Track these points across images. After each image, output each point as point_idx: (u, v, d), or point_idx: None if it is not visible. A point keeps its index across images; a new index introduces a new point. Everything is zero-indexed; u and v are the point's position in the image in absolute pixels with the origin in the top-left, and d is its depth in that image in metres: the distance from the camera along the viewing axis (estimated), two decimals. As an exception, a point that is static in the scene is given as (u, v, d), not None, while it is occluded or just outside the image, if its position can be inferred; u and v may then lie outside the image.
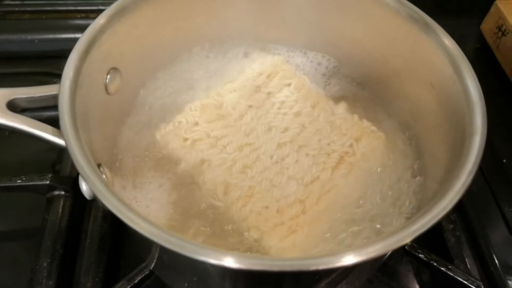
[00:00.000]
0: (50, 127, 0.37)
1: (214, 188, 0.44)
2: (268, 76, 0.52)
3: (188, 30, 0.51)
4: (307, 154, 0.47)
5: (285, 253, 0.41)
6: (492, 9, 0.71)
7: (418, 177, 0.47)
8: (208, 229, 0.43)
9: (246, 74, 0.52)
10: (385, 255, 0.32)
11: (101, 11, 0.42)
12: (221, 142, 0.47)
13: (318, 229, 0.43)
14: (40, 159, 0.56)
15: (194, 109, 0.49)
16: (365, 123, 0.50)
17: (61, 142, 0.35)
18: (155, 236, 0.29)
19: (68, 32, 0.69)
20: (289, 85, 0.52)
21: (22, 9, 0.71)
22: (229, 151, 0.47)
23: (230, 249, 0.42)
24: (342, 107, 0.51)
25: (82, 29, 0.40)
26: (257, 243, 0.42)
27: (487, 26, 0.73)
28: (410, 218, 0.44)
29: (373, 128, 0.49)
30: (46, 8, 0.72)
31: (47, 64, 0.65)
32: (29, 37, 0.68)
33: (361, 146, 0.48)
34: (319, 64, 0.56)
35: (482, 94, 0.38)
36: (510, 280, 0.49)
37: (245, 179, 0.45)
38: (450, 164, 0.38)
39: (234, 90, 0.51)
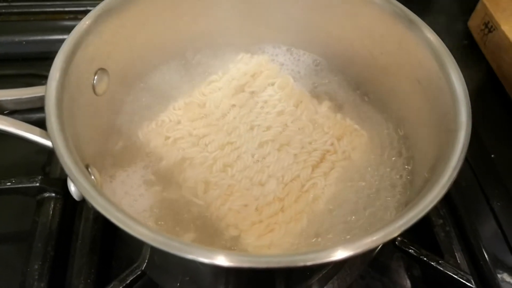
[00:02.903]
0: (37, 129, 0.37)
1: (195, 187, 0.45)
2: (252, 76, 0.52)
3: (175, 29, 0.51)
4: (288, 153, 0.47)
5: (262, 251, 0.41)
6: (478, 6, 0.72)
7: (406, 172, 0.47)
8: (187, 226, 0.43)
9: (231, 74, 0.52)
10: (373, 250, 0.32)
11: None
12: (203, 141, 0.47)
13: (297, 228, 0.43)
14: (30, 161, 0.56)
15: (177, 108, 0.49)
16: (348, 121, 0.50)
17: (48, 143, 0.35)
18: (144, 235, 0.29)
19: (56, 34, 0.68)
20: (273, 84, 0.52)
21: (9, 10, 0.71)
22: (210, 150, 0.47)
23: (208, 246, 0.42)
24: (325, 106, 0.51)
25: (70, 30, 0.40)
26: (235, 241, 0.42)
27: (474, 22, 0.73)
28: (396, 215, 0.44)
29: (356, 126, 0.50)
30: (33, 10, 0.71)
31: (35, 65, 0.64)
32: (17, 38, 0.67)
33: (342, 145, 0.48)
34: (304, 62, 0.57)
35: (466, 90, 0.39)
36: (499, 273, 0.49)
37: (225, 177, 0.45)
38: (437, 158, 0.38)
39: (219, 89, 0.51)
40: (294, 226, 0.43)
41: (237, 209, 0.43)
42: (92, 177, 0.37)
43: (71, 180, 0.32)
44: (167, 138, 0.48)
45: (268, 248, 0.41)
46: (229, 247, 0.42)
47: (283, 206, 0.44)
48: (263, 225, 0.42)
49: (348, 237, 0.42)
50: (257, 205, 0.44)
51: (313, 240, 0.42)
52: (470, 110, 0.38)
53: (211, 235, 0.42)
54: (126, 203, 0.44)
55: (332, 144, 0.48)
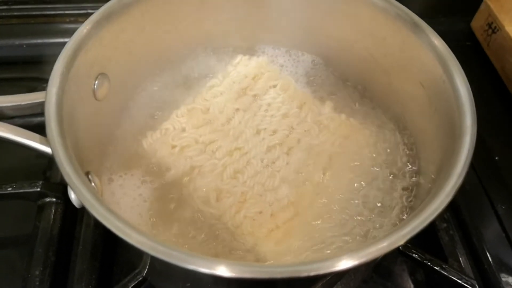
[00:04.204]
0: (37, 135, 0.36)
1: (206, 195, 0.44)
2: (253, 78, 0.52)
3: (176, 34, 0.51)
4: (297, 156, 0.47)
5: (281, 257, 0.41)
6: (482, 7, 0.71)
7: (412, 175, 0.47)
8: (203, 236, 0.43)
9: (231, 77, 0.52)
10: (377, 258, 0.32)
11: (90, 15, 0.42)
12: (210, 148, 0.47)
13: (313, 231, 0.43)
14: (31, 166, 0.56)
15: (180, 115, 0.49)
16: (352, 121, 0.50)
17: (48, 150, 0.34)
18: (143, 245, 0.29)
19: (57, 37, 0.68)
20: (274, 86, 0.52)
21: (10, 13, 0.70)
22: (219, 157, 0.46)
23: (226, 255, 0.41)
24: (328, 107, 0.51)
25: (71, 33, 0.40)
26: (253, 249, 0.42)
27: (478, 23, 0.73)
28: (404, 217, 0.44)
29: (361, 126, 0.50)
30: (34, 13, 0.71)
31: (35, 69, 0.64)
32: (17, 42, 0.67)
33: (350, 145, 0.48)
34: (304, 63, 0.56)
35: (471, 94, 0.38)
36: (504, 277, 0.49)
37: (237, 184, 0.45)
38: (442, 163, 0.38)
39: (221, 94, 0.50)
40: (311, 230, 0.43)
41: (252, 216, 0.43)
42: (93, 184, 0.37)
43: (71, 187, 0.32)
44: (174, 147, 0.47)
45: (287, 254, 0.41)
46: (247, 256, 0.41)
47: (298, 210, 0.44)
48: (280, 231, 0.42)
49: (363, 238, 0.42)
50: (272, 211, 0.43)
51: (330, 241, 0.42)
52: (475, 115, 0.37)
53: (227, 244, 0.42)
54: (134, 215, 0.43)
55: (340, 144, 0.48)
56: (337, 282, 0.44)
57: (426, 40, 0.42)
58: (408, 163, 0.48)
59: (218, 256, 0.41)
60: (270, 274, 0.28)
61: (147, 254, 0.37)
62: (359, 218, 0.44)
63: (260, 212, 0.43)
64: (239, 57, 0.54)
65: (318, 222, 0.43)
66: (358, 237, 0.43)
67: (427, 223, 0.31)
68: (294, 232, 0.42)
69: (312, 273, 0.28)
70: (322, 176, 0.46)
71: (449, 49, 0.41)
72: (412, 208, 0.44)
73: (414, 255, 0.46)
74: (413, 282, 0.50)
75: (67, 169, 0.32)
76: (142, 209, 0.44)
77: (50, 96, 0.36)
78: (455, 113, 0.38)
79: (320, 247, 0.42)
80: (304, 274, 0.28)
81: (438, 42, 0.42)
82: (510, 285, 0.49)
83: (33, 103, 0.38)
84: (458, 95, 0.39)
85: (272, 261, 0.40)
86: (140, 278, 0.43)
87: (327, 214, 0.44)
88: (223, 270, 0.28)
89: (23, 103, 0.38)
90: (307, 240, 0.42)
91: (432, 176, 0.40)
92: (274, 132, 0.49)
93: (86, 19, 0.41)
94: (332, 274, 0.29)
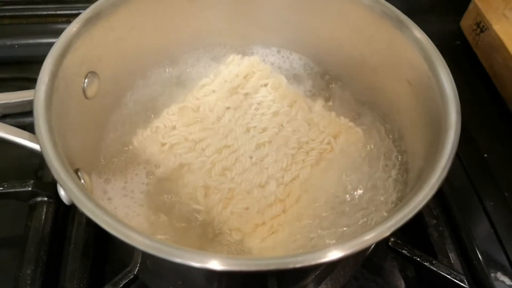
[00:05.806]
0: (26, 133, 0.37)
1: (194, 192, 0.44)
2: (245, 77, 0.52)
3: (166, 32, 0.51)
4: (286, 153, 0.47)
5: (267, 253, 0.41)
6: (470, 6, 0.72)
7: (399, 171, 0.47)
8: (191, 232, 0.43)
9: (222, 76, 0.52)
10: (365, 250, 0.32)
11: (82, 15, 0.42)
12: (200, 145, 0.47)
13: (300, 228, 0.43)
14: (22, 165, 0.56)
15: (171, 113, 0.49)
16: (343, 119, 0.50)
17: (37, 147, 0.35)
18: (132, 239, 0.29)
19: (49, 37, 0.68)
20: (266, 85, 0.52)
21: (1, 14, 0.71)
22: (208, 154, 0.47)
23: (213, 251, 0.42)
24: (319, 105, 0.52)
25: (62, 33, 0.40)
26: (239, 245, 0.42)
27: (466, 22, 0.74)
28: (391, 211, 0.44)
29: (351, 124, 0.50)
30: (26, 13, 0.71)
31: (27, 69, 0.64)
32: (9, 42, 0.67)
33: (339, 142, 0.49)
34: (294, 62, 0.57)
35: (456, 90, 0.39)
36: (492, 273, 0.49)
37: (224, 181, 0.45)
38: (428, 158, 0.39)
39: (212, 93, 0.51)
40: (297, 226, 0.43)
41: (239, 213, 0.43)
42: (82, 181, 0.37)
43: (60, 184, 0.32)
44: (163, 144, 0.47)
45: (273, 250, 0.41)
46: (233, 251, 0.42)
47: (284, 206, 0.44)
48: (266, 227, 0.42)
49: (350, 234, 0.43)
50: (259, 207, 0.44)
51: (316, 238, 0.42)
52: (460, 110, 0.38)
53: (214, 240, 0.42)
54: (123, 212, 0.43)
55: (328, 142, 0.48)
56: (326, 277, 0.44)
57: (411, 37, 0.43)
58: (395, 160, 0.48)
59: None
60: (257, 267, 0.28)
61: (138, 251, 0.37)
62: (346, 214, 0.44)
63: (247, 208, 0.43)
64: (231, 56, 0.54)
65: (305, 219, 0.44)
66: (345, 233, 0.43)
67: (412, 215, 0.31)
68: (280, 229, 0.43)
69: (298, 265, 0.28)
70: (310, 173, 0.46)
71: (434, 46, 0.42)
72: (399, 203, 0.44)
73: (403, 251, 0.47)
74: (404, 278, 0.51)
75: (56, 166, 0.32)
76: (133, 206, 0.44)
77: (39, 94, 0.36)
78: (440, 109, 0.39)
79: (306, 243, 0.42)
80: (291, 266, 0.28)
81: (423, 38, 0.42)
82: (498, 280, 0.49)
83: (22, 101, 0.38)
84: (443, 91, 0.39)
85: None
86: (132, 276, 0.44)
87: (314, 210, 0.44)
88: (211, 263, 0.28)
89: (12, 101, 0.38)
90: (293, 236, 0.42)
91: (419, 170, 0.40)
92: (264, 130, 0.49)
93: (78, 20, 0.41)
94: (319, 265, 0.30)
